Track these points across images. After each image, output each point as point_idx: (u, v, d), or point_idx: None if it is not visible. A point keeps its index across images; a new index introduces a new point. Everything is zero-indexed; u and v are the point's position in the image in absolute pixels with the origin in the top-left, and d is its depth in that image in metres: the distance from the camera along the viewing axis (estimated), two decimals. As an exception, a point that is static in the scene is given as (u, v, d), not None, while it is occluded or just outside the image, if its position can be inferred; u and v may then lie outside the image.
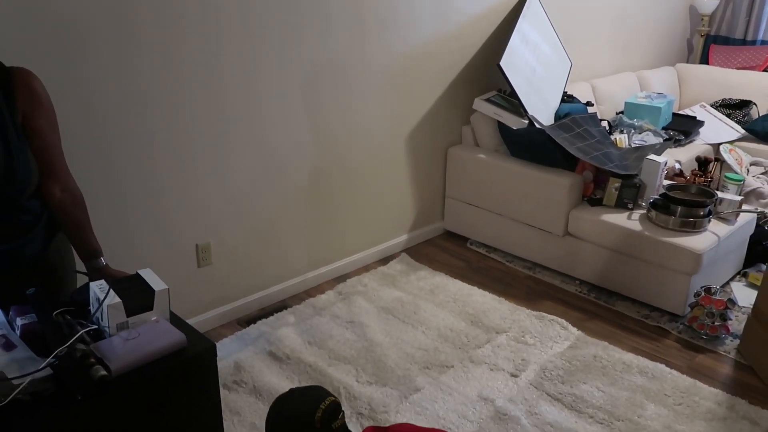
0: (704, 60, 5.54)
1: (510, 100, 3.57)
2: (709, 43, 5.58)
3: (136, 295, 1.46)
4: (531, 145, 3.38)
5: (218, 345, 2.65)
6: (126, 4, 2.26)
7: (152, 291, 1.47)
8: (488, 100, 3.56)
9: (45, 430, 1.24)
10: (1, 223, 1.58)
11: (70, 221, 1.67)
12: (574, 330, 2.90)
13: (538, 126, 3.36)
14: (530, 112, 3.40)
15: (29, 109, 1.57)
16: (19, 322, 1.40)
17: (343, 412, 1.53)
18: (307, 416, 1.44)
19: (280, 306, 3.07)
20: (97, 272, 1.63)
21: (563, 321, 2.95)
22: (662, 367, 2.65)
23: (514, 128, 3.44)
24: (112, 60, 2.28)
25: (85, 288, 1.52)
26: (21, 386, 1.23)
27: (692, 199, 3.04)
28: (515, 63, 3.43)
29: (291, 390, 1.56)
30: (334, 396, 1.53)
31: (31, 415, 1.23)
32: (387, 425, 1.57)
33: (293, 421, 1.46)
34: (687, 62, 5.72)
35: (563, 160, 3.31)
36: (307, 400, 1.48)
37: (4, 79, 1.54)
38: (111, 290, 1.43)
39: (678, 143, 4.22)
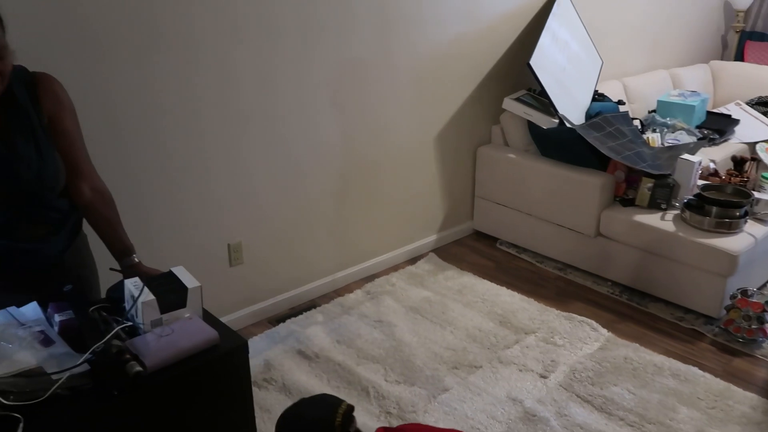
0: (739, 57, 5.42)
1: (540, 99, 3.54)
2: (745, 39, 5.45)
3: (170, 292, 1.48)
4: (561, 145, 3.35)
5: (249, 343, 2.68)
6: (145, 8, 2.28)
7: (185, 288, 1.49)
8: (518, 100, 3.53)
9: (82, 424, 1.27)
10: (32, 221, 1.63)
11: (101, 220, 1.70)
12: (604, 331, 2.87)
13: (568, 125, 3.32)
14: (561, 111, 3.36)
15: (54, 112, 1.62)
16: (57, 318, 1.44)
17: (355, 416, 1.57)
18: (327, 422, 1.47)
19: (310, 305, 3.09)
20: (130, 269, 1.67)
21: (593, 322, 2.91)
22: (695, 369, 2.60)
23: (545, 127, 3.41)
24: (132, 63, 2.31)
25: (120, 285, 1.55)
26: (60, 381, 1.26)
27: (728, 199, 2.98)
28: (545, 62, 3.40)
29: (300, 400, 1.60)
30: (346, 401, 1.56)
31: (70, 409, 1.26)
32: (396, 425, 1.58)
33: (312, 426, 1.49)
34: (722, 59, 5.59)
35: (594, 160, 3.27)
36: (323, 407, 1.51)
37: (30, 84, 1.60)
38: (145, 288, 1.45)
39: (712, 142, 4.13)
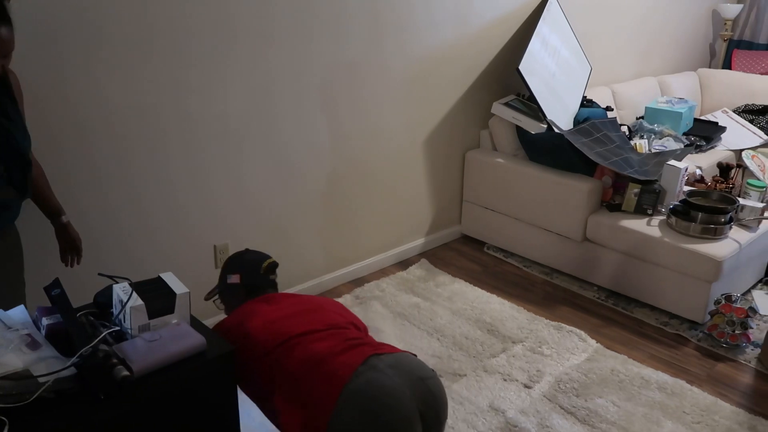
0: (727, 65, 5.48)
1: (529, 104, 3.56)
2: (732, 48, 5.51)
3: (158, 298, 1.48)
4: (550, 150, 3.38)
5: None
6: (139, 9, 2.28)
7: (174, 294, 1.50)
8: (507, 104, 3.55)
9: (68, 428, 1.27)
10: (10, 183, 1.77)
11: (36, 186, 1.95)
12: (592, 342, 2.86)
13: (557, 130, 3.35)
14: (549, 116, 3.39)
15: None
16: (44, 321, 1.44)
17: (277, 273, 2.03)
18: (257, 263, 1.98)
19: (298, 308, 3.08)
20: (61, 228, 2.03)
21: (582, 333, 2.90)
22: (682, 383, 2.59)
23: (533, 132, 3.43)
24: (125, 67, 2.30)
25: (108, 290, 1.55)
26: (46, 384, 1.26)
27: (713, 205, 3.01)
28: (534, 67, 3.42)
29: (246, 249, 2.09)
30: (276, 260, 2.02)
31: (56, 412, 1.26)
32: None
33: (247, 263, 1.98)
34: (709, 67, 5.66)
35: (582, 165, 3.30)
36: (259, 255, 2.02)
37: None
38: (134, 293, 1.45)
39: (699, 149, 4.18)
